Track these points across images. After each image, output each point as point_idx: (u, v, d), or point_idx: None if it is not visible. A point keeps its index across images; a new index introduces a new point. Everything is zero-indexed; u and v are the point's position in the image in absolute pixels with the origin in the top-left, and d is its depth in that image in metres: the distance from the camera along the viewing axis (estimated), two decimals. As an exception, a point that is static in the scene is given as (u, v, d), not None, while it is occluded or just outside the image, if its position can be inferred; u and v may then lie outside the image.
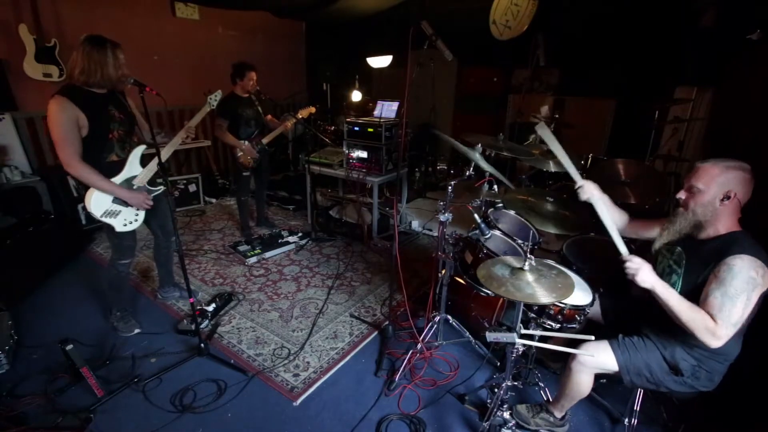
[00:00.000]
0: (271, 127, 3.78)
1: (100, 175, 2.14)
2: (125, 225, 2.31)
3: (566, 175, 3.47)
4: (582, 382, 1.70)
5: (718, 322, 1.39)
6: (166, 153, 2.30)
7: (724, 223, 1.51)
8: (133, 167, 2.31)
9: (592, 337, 1.60)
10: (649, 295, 1.64)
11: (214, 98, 2.69)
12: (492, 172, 2.23)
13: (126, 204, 2.28)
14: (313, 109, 4.00)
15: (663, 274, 1.66)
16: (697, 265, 1.52)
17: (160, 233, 2.66)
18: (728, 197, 1.47)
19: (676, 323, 1.45)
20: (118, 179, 2.25)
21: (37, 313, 2.74)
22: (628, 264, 1.49)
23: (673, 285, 1.58)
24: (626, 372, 1.62)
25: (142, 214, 2.39)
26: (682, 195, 1.58)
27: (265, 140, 3.70)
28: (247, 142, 3.60)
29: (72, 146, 2.05)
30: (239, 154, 3.61)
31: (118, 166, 2.26)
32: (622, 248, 1.54)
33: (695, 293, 1.49)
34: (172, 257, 2.85)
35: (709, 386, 1.59)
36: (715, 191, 1.48)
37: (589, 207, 1.72)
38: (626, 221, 1.88)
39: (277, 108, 5.72)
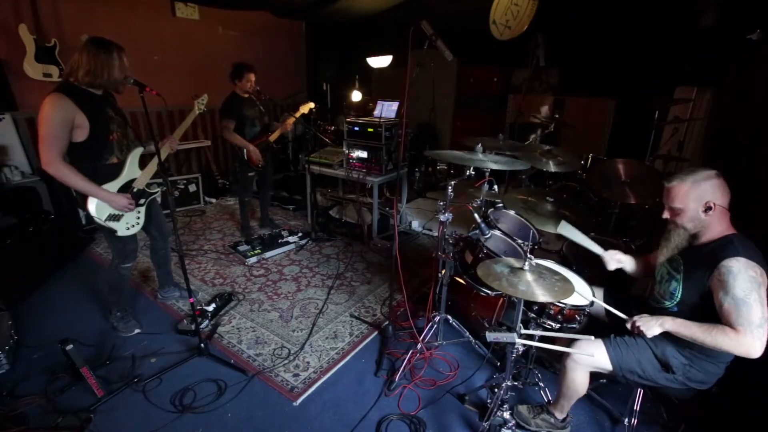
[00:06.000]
0: (273, 128, 3.81)
1: (81, 175, 2.08)
2: (128, 228, 2.30)
3: (566, 175, 3.51)
4: (577, 380, 1.71)
5: (739, 329, 1.37)
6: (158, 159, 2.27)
7: (715, 229, 1.54)
8: (132, 170, 2.30)
9: (591, 338, 1.60)
10: (648, 294, 1.63)
11: (202, 102, 2.66)
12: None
13: None
14: (312, 105, 3.99)
15: (662, 281, 1.68)
16: (694, 269, 1.54)
17: (157, 235, 2.64)
18: (710, 208, 1.49)
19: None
20: (118, 182, 2.24)
21: (37, 313, 2.74)
22: (630, 326, 1.57)
23: (672, 291, 1.60)
24: (619, 369, 1.64)
25: (143, 217, 2.38)
26: (666, 215, 1.62)
27: (271, 138, 3.74)
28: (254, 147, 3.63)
29: (57, 146, 1.99)
30: (248, 153, 3.62)
31: (118, 169, 2.25)
32: (623, 315, 1.63)
33: (698, 298, 1.52)
34: (170, 258, 2.85)
35: (703, 385, 1.60)
36: (695, 206, 1.51)
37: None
38: (638, 269, 1.90)
39: (277, 108, 5.73)
